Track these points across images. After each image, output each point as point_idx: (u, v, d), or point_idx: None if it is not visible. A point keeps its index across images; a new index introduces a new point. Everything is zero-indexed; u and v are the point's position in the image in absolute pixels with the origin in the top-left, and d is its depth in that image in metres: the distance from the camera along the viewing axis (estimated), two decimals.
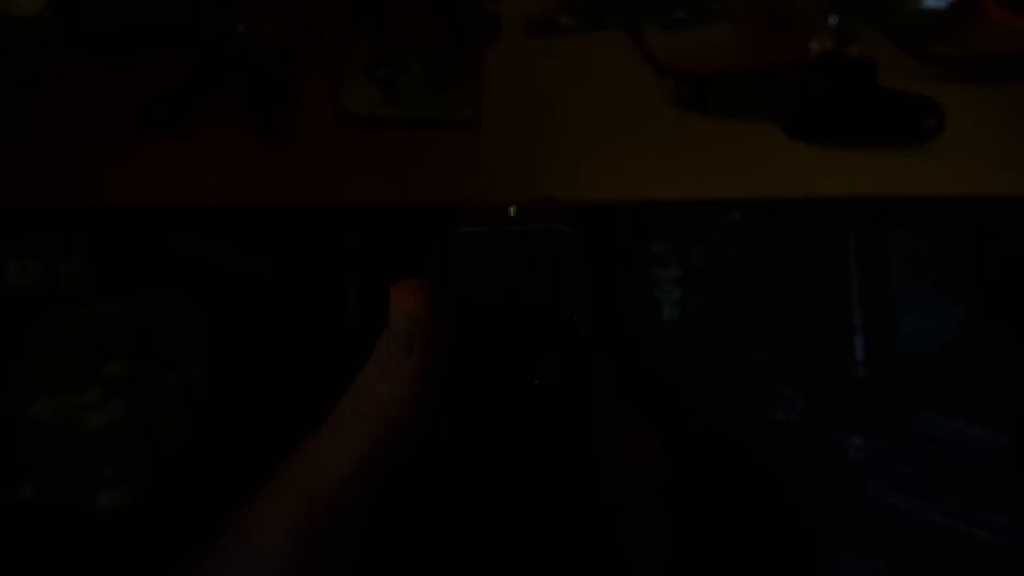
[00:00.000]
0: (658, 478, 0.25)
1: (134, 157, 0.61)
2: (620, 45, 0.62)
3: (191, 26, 0.58)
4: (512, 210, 0.24)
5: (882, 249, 0.60)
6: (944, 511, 0.57)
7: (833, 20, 0.61)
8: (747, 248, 0.60)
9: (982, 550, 0.57)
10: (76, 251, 0.59)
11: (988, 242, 0.61)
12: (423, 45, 0.61)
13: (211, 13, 0.58)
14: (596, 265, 0.58)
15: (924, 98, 0.61)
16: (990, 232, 0.61)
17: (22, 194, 0.60)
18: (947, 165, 0.61)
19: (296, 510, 0.24)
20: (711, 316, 0.59)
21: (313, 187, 0.61)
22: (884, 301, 0.60)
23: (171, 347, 0.57)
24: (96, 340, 0.56)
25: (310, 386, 0.57)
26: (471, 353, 0.21)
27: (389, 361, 0.23)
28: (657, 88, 0.62)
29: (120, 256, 0.59)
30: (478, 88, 0.61)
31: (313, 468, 0.24)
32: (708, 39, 0.63)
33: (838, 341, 0.59)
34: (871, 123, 0.61)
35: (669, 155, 0.62)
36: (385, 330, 0.24)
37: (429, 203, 0.61)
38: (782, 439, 0.58)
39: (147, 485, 0.54)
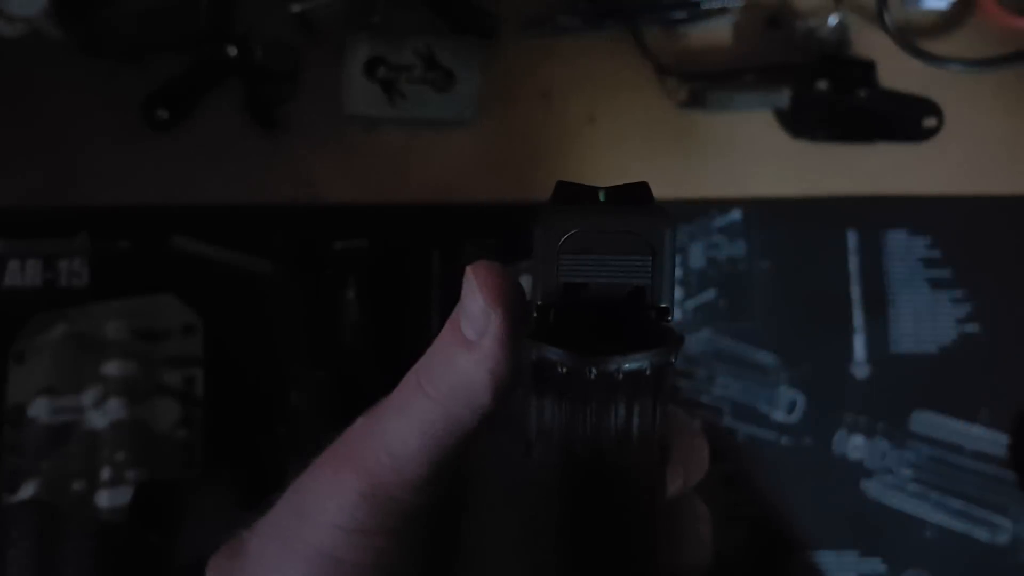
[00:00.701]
0: (703, 473, 0.25)
1: (134, 157, 0.61)
2: (620, 45, 0.62)
3: (191, 26, 0.58)
4: (601, 195, 0.24)
5: (882, 249, 0.60)
6: (944, 511, 0.57)
7: (833, 20, 0.61)
8: (747, 248, 0.60)
9: (982, 550, 0.57)
10: (76, 251, 0.59)
11: (988, 242, 0.60)
12: (423, 45, 0.61)
13: (211, 14, 0.58)
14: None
15: (923, 98, 0.61)
16: (990, 231, 0.61)
17: (22, 194, 0.60)
18: (946, 165, 0.61)
19: (356, 485, 0.23)
20: (711, 316, 0.59)
21: (313, 187, 0.61)
22: (884, 301, 0.60)
23: (171, 347, 0.57)
24: (96, 340, 0.56)
25: (309, 386, 0.57)
26: (555, 337, 0.20)
27: (461, 343, 0.23)
28: (657, 88, 0.62)
29: (120, 256, 0.59)
30: (477, 88, 0.61)
31: (376, 445, 0.24)
32: (708, 39, 0.63)
33: (838, 341, 0.59)
34: (871, 123, 0.61)
35: (669, 155, 0.62)
36: (456, 310, 0.23)
37: (429, 203, 0.61)
38: (782, 439, 0.58)
39: (147, 485, 0.54)
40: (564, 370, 0.20)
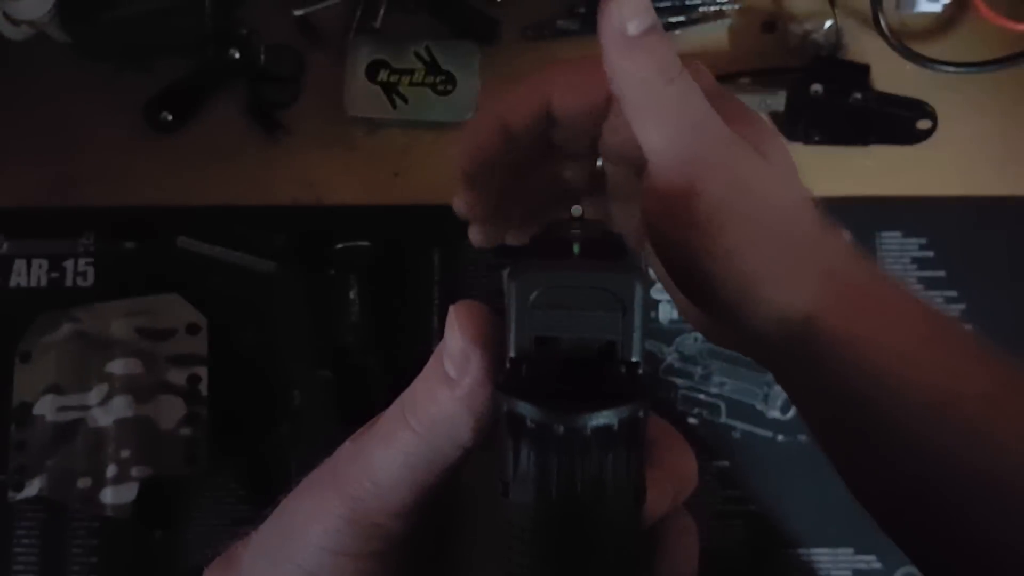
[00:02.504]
0: (692, 489, 0.25)
1: (139, 159, 0.61)
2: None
3: (195, 29, 0.59)
4: (576, 247, 0.24)
5: (876, 250, 0.61)
6: None
7: (828, 24, 0.62)
8: None
9: None
10: (82, 251, 0.60)
11: (981, 243, 0.61)
12: (424, 48, 0.62)
13: (214, 17, 0.59)
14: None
15: (917, 100, 0.62)
16: (983, 233, 0.61)
17: (29, 195, 0.61)
18: (940, 166, 0.62)
19: (340, 510, 0.24)
20: None
21: (315, 188, 0.61)
22: None
23: (176, 346, 0.57)
24: (101, 339, 0.57)
25: (312, 384, 0.57)
26: (528, 391, 0.21)
27: (443, 379, 0.23)
28: None
29: (125, 256, 0.60)
30: (478, 91, 0.61)
31: (361, 471, 0.24)
32: (704, 43, 0.64)
33: None
34: (865, 125, 0.61)
35: None
36: (440, 346, 0.24)
37: (429, 203, 0.61)
38: (778, 436, 0.58)
39: (152, 482, 0.54)
40: (533, 424, 0.21)
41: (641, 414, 0.21)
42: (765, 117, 0.62)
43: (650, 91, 0.27)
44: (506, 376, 0.22)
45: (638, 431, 0.21)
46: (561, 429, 0.20)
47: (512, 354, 0.22)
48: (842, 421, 0.34)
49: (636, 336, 0.22)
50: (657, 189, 0.28)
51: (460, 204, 0.35)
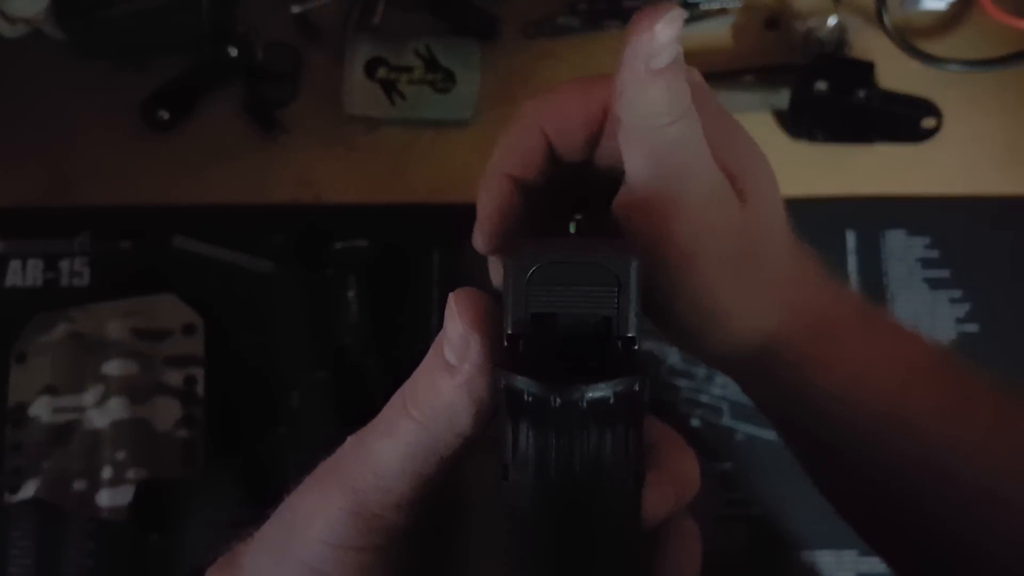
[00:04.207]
0: (695, 493, 0.25)
1: (135, 157, 0.61)
2: (619, 45, 0.62)
3: (192, 27, 0.58)
4: (571, 226, 0.24)
5: (880, 249, 0.60)
6: None
7: (832, 21, 0.61)
8: None
9: None
10: (77, 251, 0.60)
11: (986, 242, 0.61)
12: (423, 46, 0.61)
13: (212, 15, 0.58)
14: None
15: (922, 98, 0.61)
16: (989, 231, 0.61)
17: (24, 194, 0.61)
18: (945, 165, 0.61)
19: (343, 503, 0.24)
20: None
21: (313, 187, 0.61)
22: (883, 301, 0.60)
23: (172, 347, 0.57)
24: (97, 340, 0.56)
25: (310, 385, 0.57)
26: (525, 366, 0.21)
27: (443, 367, 0.23)
28: None
29: (121, 256, 0.59)
30: (477, 88, 0.61)
31: (363, 464, 0.24)
32: (707, 40, 0.63)
33: None
34: (870, 123, 0.61)
35: None
36: (440, 334, 0.24)
37: (429, 203, 0.61)
38: (781, 438, 0.58)
39: (148, 484, 0.54)
40: (530, 399, 0.21)
41: (637, 388, 0.21)
42: (769, 115, 0.62)
43: (652, 126, 0.27)
44: (503, 353, 0.22)
45: (635, 407, 0.21)
46: (558, 401, 0.20)
47: (509, 330, 0.22)
48: (803, 431, 0.35)
49: (632, 311, 0.22)
50: (631, 218, 0.28)
51: (493, 273, 0.34)
